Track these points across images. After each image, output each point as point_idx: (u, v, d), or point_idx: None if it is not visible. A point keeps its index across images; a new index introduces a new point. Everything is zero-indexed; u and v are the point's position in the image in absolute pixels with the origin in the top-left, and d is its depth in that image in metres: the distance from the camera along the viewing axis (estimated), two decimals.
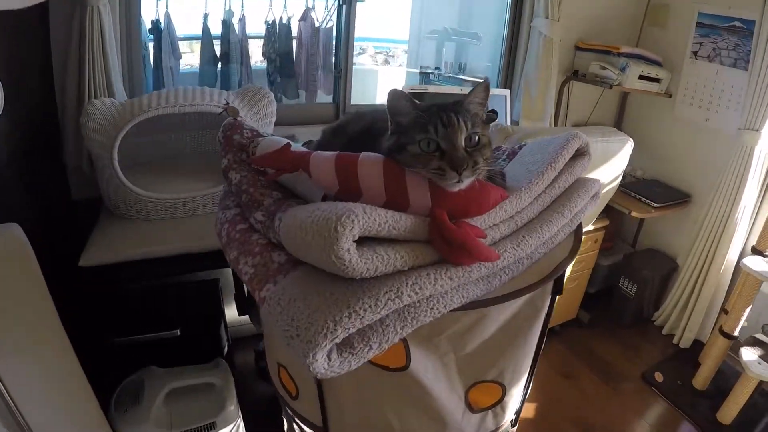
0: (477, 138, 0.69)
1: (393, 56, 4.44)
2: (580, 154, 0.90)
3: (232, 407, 1.45)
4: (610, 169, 1.73)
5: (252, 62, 2.55)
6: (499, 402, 0.89)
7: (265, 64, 2.64)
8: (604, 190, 1.89)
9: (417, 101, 0.71)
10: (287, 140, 0.90)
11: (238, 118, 1.52)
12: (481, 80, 0.73)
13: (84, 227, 1.55)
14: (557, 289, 0.83)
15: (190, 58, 2.58)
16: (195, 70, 2.52)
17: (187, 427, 1.38)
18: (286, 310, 0.58)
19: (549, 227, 0.81)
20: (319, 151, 0.74)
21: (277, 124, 2.07)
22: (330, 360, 0.57)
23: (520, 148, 1.04)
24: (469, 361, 0.79)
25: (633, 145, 1.71)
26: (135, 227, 1.54)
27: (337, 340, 0.56)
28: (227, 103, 1.52)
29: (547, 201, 0.86)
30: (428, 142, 0.67)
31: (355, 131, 0.90)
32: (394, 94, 0.69)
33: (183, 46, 2.42)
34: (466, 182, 0.68)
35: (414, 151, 0.68)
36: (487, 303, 0.72)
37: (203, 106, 1.47)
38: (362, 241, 0.59)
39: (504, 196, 0.74)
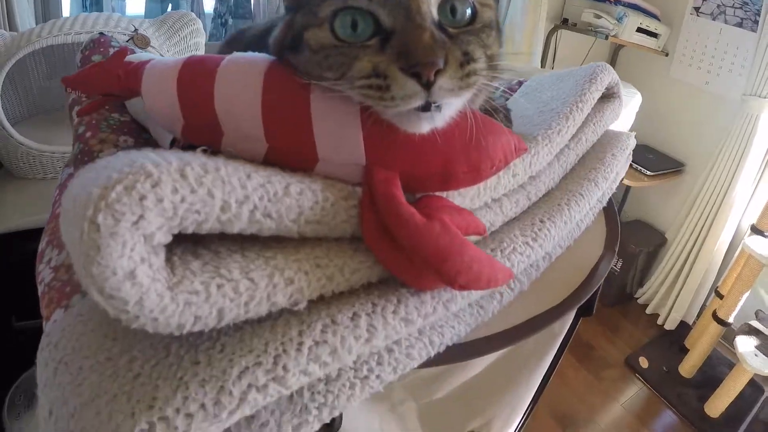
0: (470, 5, 0.33)
1: None
2: (609, 95, 0.61)
3: None
4: (616, 127, 1.47)
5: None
6: None
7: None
8: None
9: None
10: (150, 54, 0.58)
11: (149, 48, 1.20)
12: None
13: None
14: (585, 306, 0.51)
15: None
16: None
17: None
18: (54, 384, 0.28)
19: (578, 204, 0.51)
20: (162, 59, 0.39)
21: None
22: None
23: (520, 84, 0.75)
24: (439, 411, 0.49)
25: (641, 99, 1.44)
26: (34, 189, 1.25)
27: None
28: (135, 30, 1.18)
29: (572, 161, 0.56)
30: (351, 18, 0.31)
31: (255, 34, 0.52)
32: None
33: None
34: (447, 111, 0.32)
35: (321, 41, 0.32)
36: (474, 353, 0.41)
37: None
38: (196, 241, 0.27)
39: (521, 148, 0.39)
